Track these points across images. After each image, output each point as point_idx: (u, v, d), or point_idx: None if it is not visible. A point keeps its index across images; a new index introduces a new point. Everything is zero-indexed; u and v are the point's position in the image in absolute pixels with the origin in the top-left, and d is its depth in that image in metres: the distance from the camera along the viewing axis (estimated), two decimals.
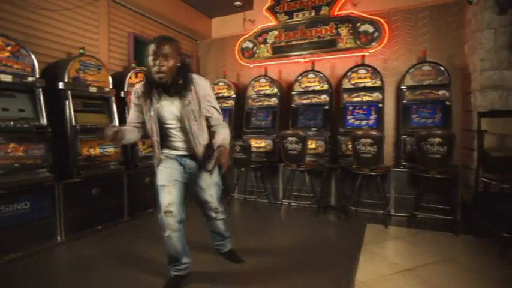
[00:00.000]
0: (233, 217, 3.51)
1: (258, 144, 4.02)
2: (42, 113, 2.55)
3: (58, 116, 2.74)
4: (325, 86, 3.85)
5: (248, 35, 4.60)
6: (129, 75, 3.43)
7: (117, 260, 2.31)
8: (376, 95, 3.61)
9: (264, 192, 3.86)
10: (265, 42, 4.46)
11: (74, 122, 2.76)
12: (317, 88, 3.89)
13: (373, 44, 3.91)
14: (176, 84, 1.72)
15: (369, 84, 3.64)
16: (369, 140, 2.95)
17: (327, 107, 3.80)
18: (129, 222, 3.21)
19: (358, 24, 3.94)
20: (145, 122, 1.82)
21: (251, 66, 4.65)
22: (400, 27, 3.93)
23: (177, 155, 1.87)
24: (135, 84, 3.51)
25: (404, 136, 3.39)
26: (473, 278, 2.01)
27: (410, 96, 3.46)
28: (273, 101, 4.13)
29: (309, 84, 3.93)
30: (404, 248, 2.55)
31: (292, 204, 3.79)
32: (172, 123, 1.80)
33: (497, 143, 2.95)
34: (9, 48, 2.38)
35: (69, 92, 2.77)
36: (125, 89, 3.38)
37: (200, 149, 1.84)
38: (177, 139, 1.85)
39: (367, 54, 3.92)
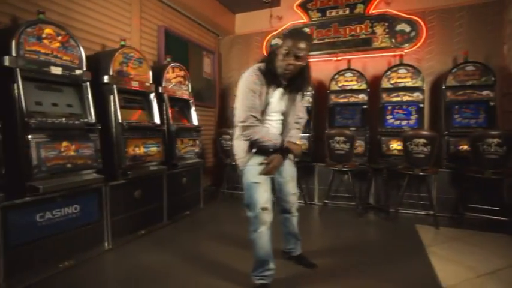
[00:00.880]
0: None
1: None
2: (90, 109, 2.35)
3: (102, 113, 2.53)
4: (364, 85, 3.79)
5: (277, 31, 4.48)
6: (166, 70, 3.24)
7: (168, 268, 2.14)
8: (417, 95, 3.58)
9: (299, 193, 3.75)
10: None
11: (119, 118, 2.56)
12: (355, 87, 3.82)
13: (409, 43, 3.88)
14: (295, 81, 1.73)
15: (410, 84, 3.61)
16: (422, 140, 2.90)
17: (365, 107, 3.74)
18: (170, 226, 3.03)
19: (394, 23, 3.90)
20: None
21: None
22: (435, 27, 3.91)
23: (270, 151, 1.77)
24: (172, 80, 3.33)
25: (447, 136, 3.37)
26: None
27: (452, 97, 3.45)
28: (307, 99, 4.03)
29: (346, 83, 3.86)
30: (469, 250, 2.50)
31: (330, 205, 3.71)
32: (274, 116, 1.78)
33: None
34: (59, 38, 2.17)
35: (114, 86, 2.57)
36: (163, 85, 3.19)
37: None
38: (273, 132, 1.79)
39: (403, 53, 3.88)
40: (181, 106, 3.51)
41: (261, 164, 1.73)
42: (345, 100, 3.85)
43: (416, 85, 3.59)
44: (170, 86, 3.28)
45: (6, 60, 1.86)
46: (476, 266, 2.18)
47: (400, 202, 3.35)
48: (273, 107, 1.75)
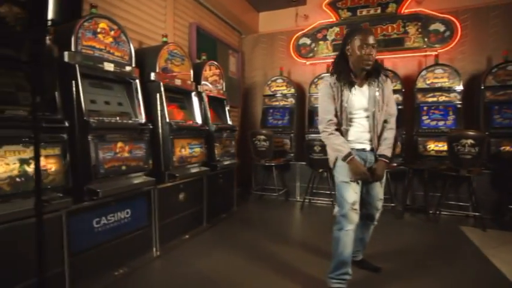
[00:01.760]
0: (312, 221, 3.30)
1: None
2: (140, 108, 2.24)
3: (148, 111, 2.42)
4: (398, 86, 3.73)
5: (306, 30, 4.40)
6: (204, 68, 3.14)
7: (219, 276, 2.03)
8: (454, 95, 3.53)
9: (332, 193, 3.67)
10: (325, 38, 4.28)
11: (167, 118, 2.45)
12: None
13: (443, 43, 3.83)
14: (372, 74, 1.74)
15: (447, 84, 3.56)
16: (470, 141, 2.84)
17: (400, 107, 3.67)
18: (210, 229, 2.92)
19: (428, 23, 3.85)
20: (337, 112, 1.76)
21: (307, 63, 4.46)
22: (468, 27, 3.87)
23: (359, 149, 1.77)
24: (208, 78, 3.23)
25: (488, 137, 3.31)
26: None
27: (491, 97, 3.41)
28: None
29: None
30: None
31: None
32: (359, 113, 1.76)
33: None
34: (112, 33, 2.06)
35: (161, 83, 2.46)
36: (201, 83, 3.08)
37: (378, 141, 1.79)
38: (363, 129, 1.77)
39: (437, 53, 3.83)
40: (215, 105, 3.41)
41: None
42: None
43: (453, 85, 3.54)
44: (207, 85, 3.18)
45: (66, 56, 1.75)
46: None
47: (441, 203, 3.30)
48: (355, 105, 1.74)
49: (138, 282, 1.92)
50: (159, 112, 2.45)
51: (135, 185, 2.05)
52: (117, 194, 1.93)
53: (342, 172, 1.74)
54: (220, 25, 4.32)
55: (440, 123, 3.55)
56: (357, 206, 1.73)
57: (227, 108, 3.49)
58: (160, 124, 2.45)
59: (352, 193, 1.71)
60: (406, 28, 3.94)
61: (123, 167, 2.00)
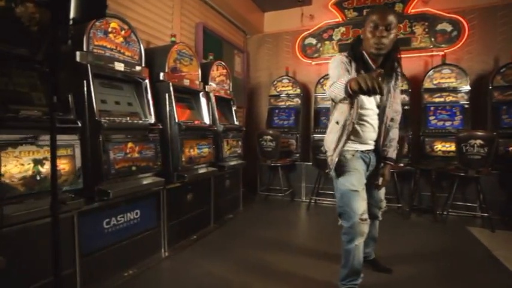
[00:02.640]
0: (319, 222, 3.29)
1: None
2: (150, 108, 2.23)
3: (157, 111, 2.41)
4: (405, 86, 3.71)
5: (311, 30, 4.39)
6: (212, 68, 3.13)
7: (241, 276, 2.03)
8: (461, 95, 3.51)
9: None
10: (330, 39, 4.27)
11: (176, 118, 2.44)
12: None
13: (450, 43, 3.82)
14: (388, 63, 1.56)
15: (454, 85, 3.54)
16: (479, 141, 2.83)
17: (407, 107, 3.66)
18: (217, 230, 2.90)
19: (435, 23, 3.84)
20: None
21: (313, 63, 4.45)
22: (475, 26, 3.86)
23: (362, 151, 1.68)
24: (216, 78, 3.22)
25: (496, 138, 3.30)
26: None
27: (499, 97, 3.39)
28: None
29: None
30: None
31: None
32: (369, 109, 1.62)
33: None
34: (123, 32, 2.05)
35: (170, 83, 2.45)
36: (209, 83, 3.07)
37: (385, 143, 1.73)
38: (370, 129, 1.65)
39: (443, 53, 3.81)
40: (222, 105, 3.40)
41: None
42: None
43: (460, 85, 3.52)
44: (214, 85, 3.17)
45: (78, 56, 1.74)
46: None
47: (449, 204, 3.28)
48: (366, 98, 1.57)
49: (147, 283, 1.91)
50: (168, 112, 2.44)
51: (144, 186, 2.04)
52: (127, 194, 1.92)
53: (348, 178, 1.61)
54: (226, 25, 4.31)
55: (447, 123, 3.53)
56: (366, 216, 1.59)
57: (234, 108, 3.49)
58: (169, 124, 2.44)
59: (361, 202, 1.58)
60: (413, 28, 3.92)
61: (133, 168, 1.99)
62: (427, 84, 3.64)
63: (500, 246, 2.54)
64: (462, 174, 2.98)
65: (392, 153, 1.74)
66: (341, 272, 1.74)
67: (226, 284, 1.92)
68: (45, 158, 1.43)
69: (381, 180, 1.74)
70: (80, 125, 1.58)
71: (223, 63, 3.37)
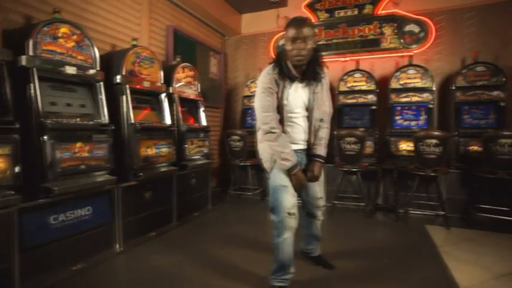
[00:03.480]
0: None
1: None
2: (103, 109, 2.33)
3: (113, 113, 2.51)
4: (373, 86, 3.78)
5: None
6: (176, 70, 3.23)
7: (193, 269, 2.12)
8: (426, 95, 3.57)
9: None
10: None
11: (132, 119, 2.54)
12: (364, 88, 3.81)
13: (417, 44, 3.87)
14: (311, 70, 1.67)
15: (419, 85, 3.60)
16: (434, 141, 2.89)
17: (374, 107, 3.73)
18: (179, 227, 3.00)
19: (403, 24, 3.89)
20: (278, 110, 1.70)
21: None
22: (444, 28, 3.91)
23: (295, 151, 1.75)
24: (181, 80, 3.32)
25: (457, 137, 3.36)
26: None
27: (461, 97, 3.44)
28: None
29: (355, 84, 3.85)
30: (483, 250, 2.49)
31: (338, 205, 3.69)
32: (298, 112, 1.73)
33: None
34: (74, 37, 2.15)
35: (126, 86, 2.55)
36: (173, 85, 3.17)
37: (315, 142, 1.80)
38: (300, 130, 1.75)
39: (412, 54, 3.87)
40: (190, 106, 3.50)
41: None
42: (354, 101, 3.84)
43: (425, 86, 3.58)
44: (179, 86, 3.26)
45: (23, 60, 1.85)
46: (491, 267, 2.16)
47: (409, 203, 3.35)
48: (294, 102, 1.70)
49: (94, 276, 2.01)
50: (124, 113, 2.54)
51: (93, 184, 2.14)
52: (74, 192, 2.02)
53: (279, 175, 1.69)
54: (201, 27, 4.40)
55: (413, 123, 3.59)
56: (295, 210, 1.69)
57: (202, 109, 3.57)
58: (125, 125, 2.54)
59: (289, 197, 1.67)
60: (382, 29, 3.98)
61: (82, 166, 2.09)
62: (393, 84, 3.70)
63: (448, 243, 2.61)
64: (420, 173, 3.04)
65: (320, 150, 1.79)
66: (273, 267, 1.82)
67: (170, 277, 2.00)
68: None
69: (309, 174, 1.79)
70: (17, 126, 1.68)
71: (190, 65, 3.46)
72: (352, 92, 3.85)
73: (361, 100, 3.81)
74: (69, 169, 2.00)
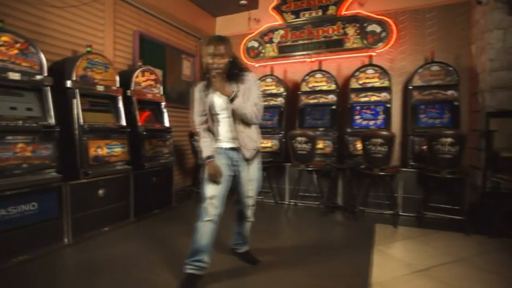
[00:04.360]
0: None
1: (264, 144, 4.00)
2: (50, 112, 2.49)
3: (65, 115, 2.69)
4: (333, 86, 3.84)
5: (253, 34, 4.57)
6: (135, 74, 3.38)
7: (127, 261, 2.26)
8: (384, 95, 3.61)
9: (270, 193, 3.83)
10: (271, 41, 4.43)
11: (81, 121, 2.70)
12: (324, 88, 3.87)
13: (381, 44, 3.90)
14: (232, 77, 1.87)
15: (377, 84, 3.64)
16: (379, 140, 2.94)
17: (334, 107, 3.79)
18: (136, 223, 3.16)
19: (365, 24, 3.93)
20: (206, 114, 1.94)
21: (256, 65, 4.63)
22: (407, 27, 3.93)
23: (226, 148, 1.94)
24: (141, 83, 3.47)
25: (412, 136, 3.39)
26: (489, 278, 2.00)
27: (418, 96, 3.46)
28: (279, 100, 4.11)
29: (316, 84, 3.92)
30: (416, 248, 2.54)
31: (299, 204, 3.78)
32: (221, 114, 1.91)
33: (507, 143, 2.96)
34: (18, 45, 2.32)
35: (77, 90, 2.72)
36: (132, 88, 3.33)
37: (244, 141, 1.91)
38: (225, 129, 1.93)
39: (374, 54, 3.90)
40: (152, 108, 3.65)
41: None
42: (315, 101, 3.91)
43: (383, 85, 3.61)
44: (139, 89, 3.42)
45: None
46: (414, 263, 2.22)
47: (364, 202, 3.40)
48: (218, 106, 1.90)
49: (34, 266, 2.17)
50: (75, 116, 2.71)
51: (36, 181, 2.31)
52: (14, 188, 2.18)
53: (205, 170, 1.91)
54: (173, 31, 4.54)
55: (371, 122, 3.63)
56: (216, 201, 1.86)
57: (165, 111, 3.72)
58: (76, 126, 2.70)
59: (212, 188, 1.87)
60: (346, 30, 4.03)
61: (24, 165, 2.26)
62: (353, 84, 3.75)
63: (387, 241, 2.66)
64: (369, 172, 3.09)
65: (246, 152, 1.92)
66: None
67: (111, 269, 2.13)
68: None
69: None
70: None
71: (151, 68, 3.61)
72: (313, 92, 3.91)
73: (322, 100, 3.87)
74: (8, 167, 2.17)
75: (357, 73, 3.74)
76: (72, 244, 2.56)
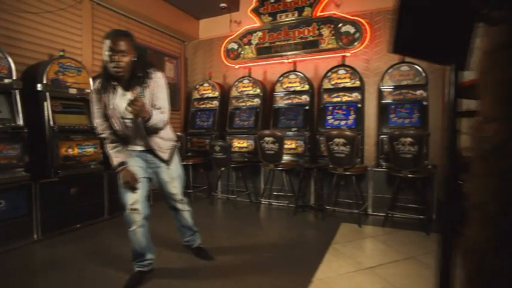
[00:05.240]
0: (212, 216, 3.56)
1: (240, 144, 4.07)
2: (19, 114, 2.62)
3: (37, 117, 2.82)
4: (306, 86, 3.88)
5: (233, 36, 4.64)
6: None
7: (89, 257, 2.36)
8: (355, 95, 3.63)
9: (245, 192, 3.90)
10: (249, 43, 4.50)
11: (51, 122, 2.83)
12: (298, 88, 3.92)
13: (355, 44, 3.92)
14: (131, 79, 1.76)
15: (348, 85, 3.67)
16: (342, 140, 2.97)
17: (307, 107, 3.83)
18: (109, 220, 3.27)
19: (340, 25, 3.96)
20: (108, 117, 1.80)
21: (236, 67, 4.70)
22: (382, 28, 3.94)
23: (139, 151, 1.92)
24: None
25: (382, 136, 3.41)
26: (432, 275, 2.02)
27: (389, 97, 3.48)
28: (256, 101, 4.17)
29: (290, 85, 3.97)
30: (373, 246, 2.58)
31: (273, 203, 3.83)
32: (128, 117, 1.78)
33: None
34: None
35: (47, 93, 2.84)
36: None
37: (157, 143, 1.89)
38: (135, 133, 1.85)
39: (348, 54, 3.93)
40: None
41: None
42: (289, 101, 3.96)
43: (354, 85, 3.64)
44: None
45: None
46: (364, 261, 2.25)
47: (335, 201, 3.44)
48: (120, 109, 1.75)
49: (1, 260, 2.30)
50: (46, 118, 2.83)
51: (2, 180, 2.43)
52: None
53: (120, 178, 1.84)
54: (155, 34, 4.66)
55: (342, 122, 3.66)
56: (138, 206, 1.82)
57: None
58: (46, 128, 2.83)
59: (130, 194, 1.83)
60: (321, 31, 4.06)
61: None
62: (325, 84, 3.78)
63: (345, 240, 2.70)
64: (334, 172, 3.13)
65: (163, 154, 1.93)
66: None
67: (66, 265, 2.23)
68: None
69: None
70: None
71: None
72: (287, 93, 3.97)
73: (295, 101, 3.92)
74: None
75: (329, 74, 3.78)
76: (42, 240, 2.69)
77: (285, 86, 3.99)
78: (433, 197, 3.12)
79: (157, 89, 1.82)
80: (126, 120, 1.81)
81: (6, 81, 2.57)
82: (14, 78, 2.62)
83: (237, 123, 4.21)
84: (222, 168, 3.69)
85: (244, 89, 4.26)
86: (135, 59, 1.74)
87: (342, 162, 3.02)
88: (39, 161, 2.81)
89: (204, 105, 4.57)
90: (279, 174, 3.64)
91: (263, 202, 3.83)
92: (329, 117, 3.73)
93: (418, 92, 3.32)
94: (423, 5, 0.69)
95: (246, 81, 4.25)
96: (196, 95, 4.66)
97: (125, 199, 1.85)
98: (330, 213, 3.42)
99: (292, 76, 3.96)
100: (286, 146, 3.71)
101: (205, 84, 4.58)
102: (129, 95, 1.77)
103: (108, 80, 1.76)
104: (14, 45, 2.94)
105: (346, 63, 3.89)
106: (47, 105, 2.84)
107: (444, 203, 0.89)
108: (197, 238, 2.33)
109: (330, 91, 3.76)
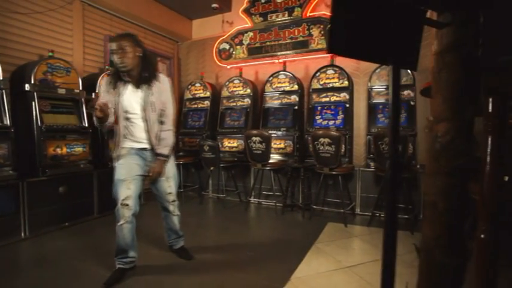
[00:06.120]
0: (201, 215, 3.59)
1: (231, 144, 4.09)
2: (6, 114, 2.66)
3: (26, 117, 2.86)
4: (295, 87, 3.90)
5: (225, 36, 4.67)
6: (101, 77, 3.53)
7: (75, 254, 2.40)
8: (344, 95, 3.65)
9: (235, 191, 3.93)
10: (241, 43, 4.52)
11: (39, 122, 2.86)
12: (287, 89, 3.94)
13: None
14: (141, 75, 1.93)
15: (337, 85, 3.68)
16: (327, 140, 2.99)
17: (296, 107, 3.85)
18: (98, 219, 3.31)
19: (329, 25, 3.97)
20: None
21: (228, 67, 4.72)
22: None
23: (139, 149, 1.99)
24: None
25: (369, 136, 3.42)
26: (410, 273, 2.03)
27: (377, 97, 3.50)
28: (246, 101, 4.19)
29: (279, 85, 3.99)
30: (356, 246, 2.60)
31: (262, 203, 3.86)
32: (135, 114, 1.94)
33: None
34: None
35: (35, 93, 2.88)
36: (97, 91, 3.47)
37: (156, 141, 1.98)
38: (139, 130, 1.96)
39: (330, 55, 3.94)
40: None
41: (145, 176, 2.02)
42: (279, 102, 3.98)
43: (343, 85, 3.65)
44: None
45: None
46: (344, 260, 2.27)
47: (322, 200, 3.46)
48: (128, 106, 1.92)
49: None
50: (34, 117, 2.87)
51: None
52: None
53: (118, 170, 1.95)
54: (148, 35, 4.69)
55: (331, 122, 3.68)
56: (129, 202, 1.90)
57: None
58: (34, 127, 2.87)
59: (124, 190, 1.90)
60: (310, 31, 4.08)
61: None
62: (314, 84, 3.80)
63: (329, 239, 2.72)
64: (320, 171, 3.15)
65: (161, 149, 1.99)
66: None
67: (52, 262, 2.27)
68: None
69: (151, 170, 2.00)
70: None
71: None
72: (276, 93, 3.99)
73: (285, 101, 3.94)
74: None
75: (318, 74, 3.79)
76: (29, 238, 2.72)
77: (274, 86, 4.01)
78: (420, 196, 3.12)
79: (165, 93, 1.99)
80: (129, 115, 1.94)
81: None
82: (1, 78, 2.66)
83: (228, 123, 4.24)
84: (212, 168, 3.72)
85: (235, 89, 4.28)
86: (141, 54, 1.91)
87: (328, 162, 3.03)
88: (27, 160, 2.85)
89: (195, 105, 4.59)
90: (268, 174, 3.66)
91: (252, 201, 3.85)
92: (318, 117, 3.75)
93: (406, 92, 3.32)
94: (351, 18, 0.73)
95: (236, 81, 4.28)
96: (188, 95, 4.68)
97: (118, 194, 1.92)
98: (318, 212, 3.44)
99: (281, 76, 3.98)
100: (275, 146, 3.74)
101: (197, 84, 4.61)
102: (141, 92, 1.94)
103: (120, 78, 1.94)
104: (2, 46, 2.98)
105: (337, 63, 3.91)
106: (35, 105, 2.88)
107: (388, 199, 0.91)
108: (181, 241, 2.37)
109: (318, 91, 3.77)
